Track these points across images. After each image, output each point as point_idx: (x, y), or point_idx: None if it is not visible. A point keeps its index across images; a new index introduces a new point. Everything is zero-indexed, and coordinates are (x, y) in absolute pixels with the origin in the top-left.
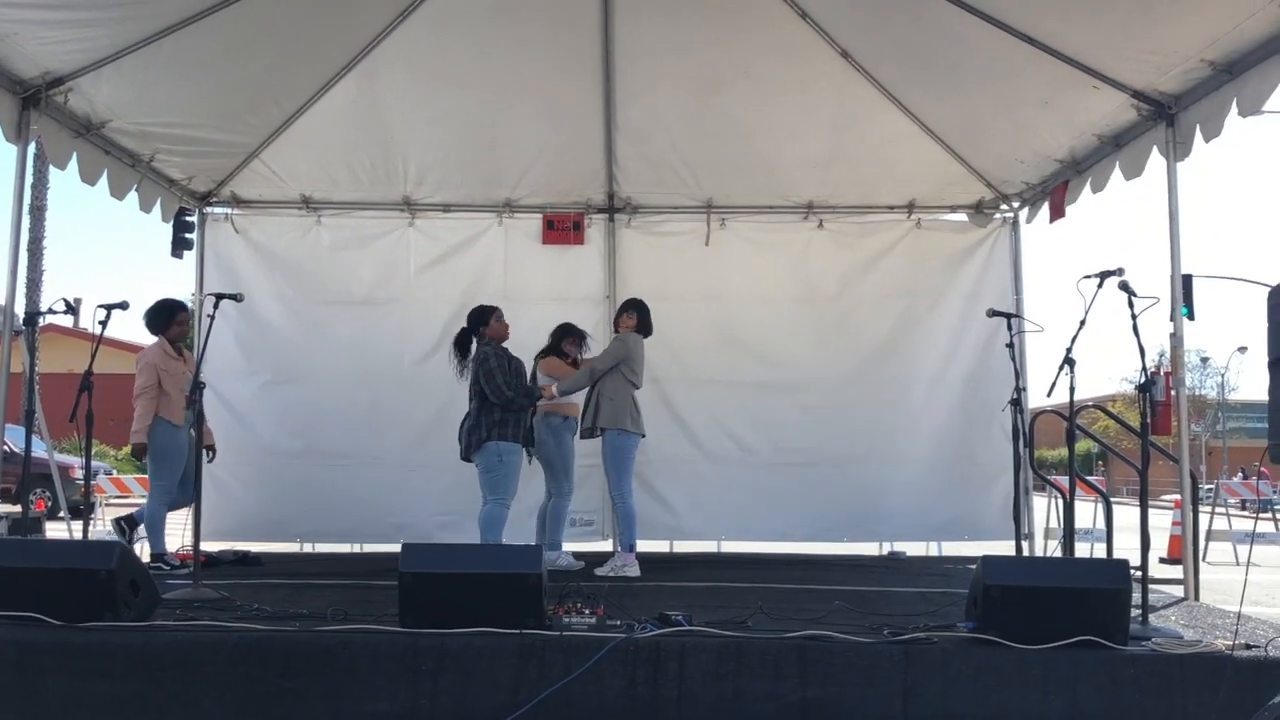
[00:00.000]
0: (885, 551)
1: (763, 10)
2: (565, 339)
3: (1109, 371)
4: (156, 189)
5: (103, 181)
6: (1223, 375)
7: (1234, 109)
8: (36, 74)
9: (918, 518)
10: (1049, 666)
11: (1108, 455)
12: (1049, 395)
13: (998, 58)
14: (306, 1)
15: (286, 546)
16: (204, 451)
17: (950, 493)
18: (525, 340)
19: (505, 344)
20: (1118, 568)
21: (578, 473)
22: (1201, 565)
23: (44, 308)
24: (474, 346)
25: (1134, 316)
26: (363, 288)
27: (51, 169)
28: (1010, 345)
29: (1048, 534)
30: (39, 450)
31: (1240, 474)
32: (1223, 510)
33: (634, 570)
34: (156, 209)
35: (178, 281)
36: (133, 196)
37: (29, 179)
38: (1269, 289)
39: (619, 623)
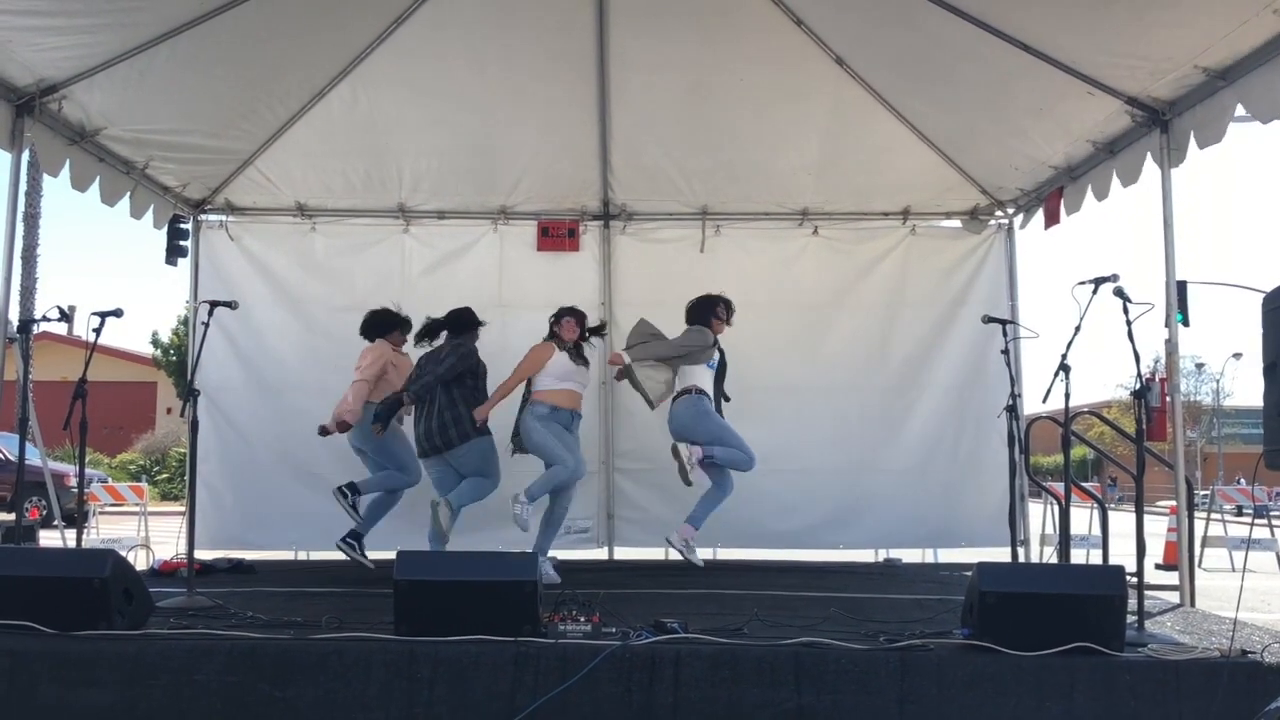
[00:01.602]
0: (881, 558)
1: (757, 17)
2: (563, 320)
3: (1104, 377)
4: (150, 196)
5: (95, 189)
6: (1218, 381)
7: (1231, 115)
8: (30, 81)
9: (913, 524)
10: (1045, 673)
11: (1111, 462)
12: (1044, 401)
13: (992, 64)
14: (300, 9)
15: (281, 554)
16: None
17: (946, 499)
18: (521, 346)
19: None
20: (1113, 574)
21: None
22: (1197, 571)
23: (38, 315)
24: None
25: (1129, 323)
26: (358, 295)
27: (45, 177)
28: (1005, 351)
29: (1043, 540)
30: (33, 458)
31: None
32: (1218, 516)
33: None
34: (148, 215)
35: (172, 289)
36: (124, 203)
37: (23, 186)
38: (1264, 295)
39: (614, 630)
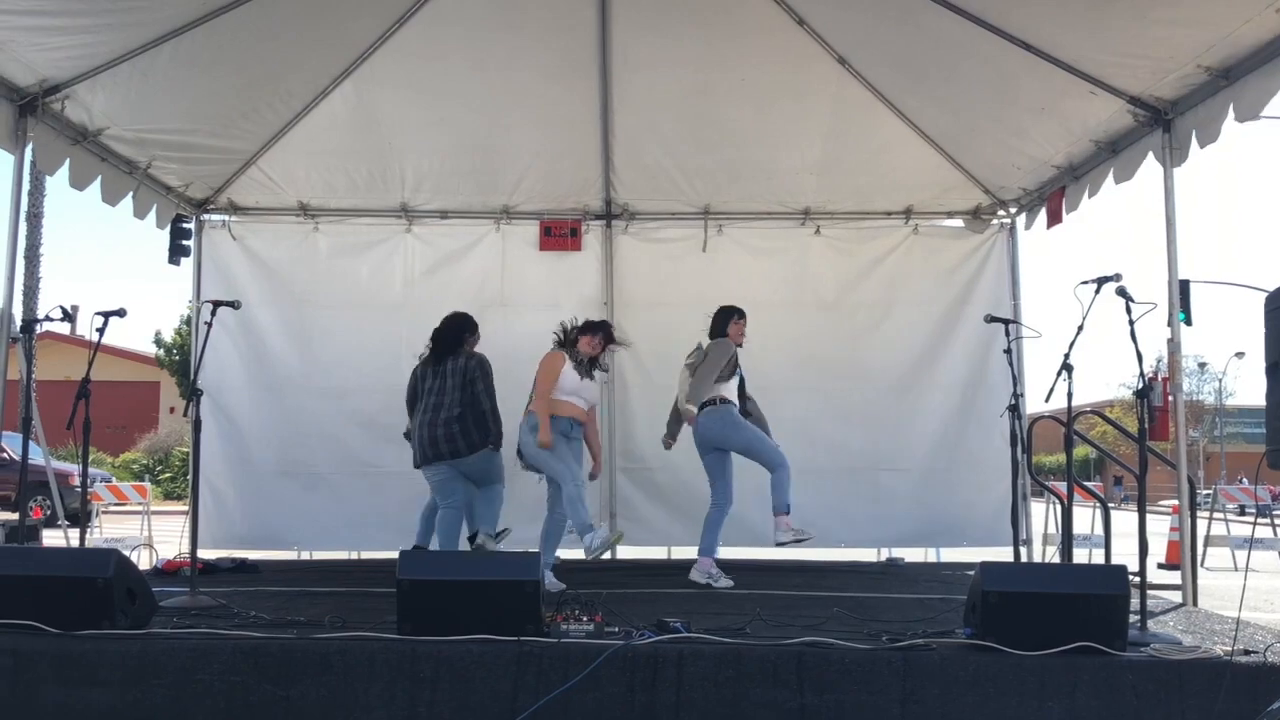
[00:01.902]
0: (883, 557)
1: (759, 17)
2: (588, 335)
3: (1107, 377)
4: (152, 196)
5: (96, 188)
6: (1220, 381)
7: (1230, 114)
8: (33, 81)
9: (916, 523)
10: (1047, 673)
11: (1114, 461)
12: (1047, 401)
13: (995, 64)
14: (302, 8)
15: (284, 554)
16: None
17: (948, 498)
18: (523, 346)
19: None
20: (1116, 573)
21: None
22: (1200, 571)
23: (41, 315)
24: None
25: (1131, 322)
26: (360, 294)
27: (49, 177)
28: (1008, 351)
29: (1046, 540)
30: (36, 457)
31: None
32: (1221, 516)
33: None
34: (151, 215)
35: (175, 289)
36: (127, 203)
37: (25, 186)
38: (1266, 294)
39: (617, 630)
